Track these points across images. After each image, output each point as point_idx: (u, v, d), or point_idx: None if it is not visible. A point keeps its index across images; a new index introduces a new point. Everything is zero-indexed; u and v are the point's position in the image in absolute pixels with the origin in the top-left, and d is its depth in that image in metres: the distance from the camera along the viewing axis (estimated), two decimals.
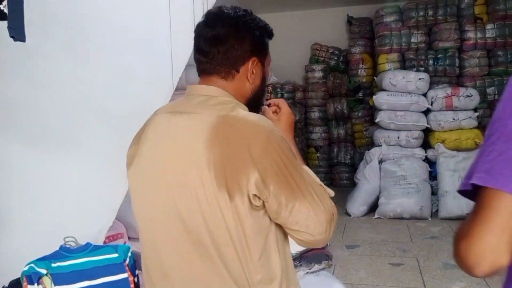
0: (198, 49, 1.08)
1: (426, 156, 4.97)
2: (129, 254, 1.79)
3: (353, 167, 6.63)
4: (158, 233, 1.06)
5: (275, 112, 1.22)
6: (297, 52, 7.11)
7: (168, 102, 1.71)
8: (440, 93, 4.93)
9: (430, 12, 5.54)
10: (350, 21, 6.72)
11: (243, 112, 1.02)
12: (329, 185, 7.01)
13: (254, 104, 1.14)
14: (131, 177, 1.12)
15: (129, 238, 3.04)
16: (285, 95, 5.79)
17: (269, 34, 1.16)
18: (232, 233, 0.97)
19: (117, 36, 2.29)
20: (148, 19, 2.51)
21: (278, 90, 5.80)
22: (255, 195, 0.95)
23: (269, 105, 1.25)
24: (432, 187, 4.82)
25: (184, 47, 3.00)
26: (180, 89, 4.03)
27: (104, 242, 2.79)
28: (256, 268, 0.99)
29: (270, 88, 5.77)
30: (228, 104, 1.04)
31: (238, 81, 1.09)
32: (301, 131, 6.60)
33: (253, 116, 1.02)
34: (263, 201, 0.97)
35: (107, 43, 2.28)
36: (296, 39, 7.13)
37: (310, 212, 0.98)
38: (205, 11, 3.47)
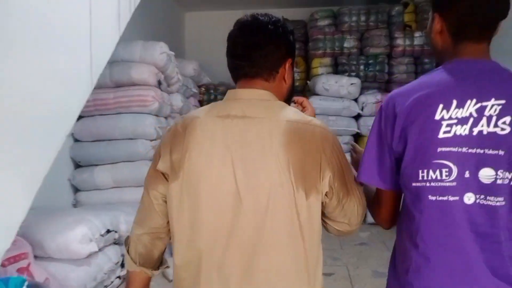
0: (237, 55, 1.13)
1: None
2: None
3: None
4: (222, 233, 1.04)
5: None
6: None
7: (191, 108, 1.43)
8: (370, 98, 4.99)
9: (363, 18, 5.61)
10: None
11: (307, 116, 1.13)
12: None
13: (288, 103, 1.21)
14: (181, 183, 1.07)
15: (35, 257, 2.70)
16: (219, 97, 5.59)
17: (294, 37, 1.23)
18: (304, 229, 1.04)
19: (34, 31, 1.97)
20: (67, 13, 2.21)
21: (212, 91, 5.59)
22: (326, 193, 1.07)
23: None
24: None
25: (105, 44, 2.72)
26: (104, 87, 3.73)
27: (3, 265, 2.44)
28: (316, 260, 1.09)
29: (203, 89, 5.55)
30: (282, 107, 1.12)
31: (278, 82, 1.16)
32: None
33: (317, 120, 1.13)
34: (327, 198, 1.09)
35: (22, 39, 1.95)
36: None
37: (355, 207, 1.13)
38: (132, 7, 3.21)
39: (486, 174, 0.98)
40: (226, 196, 1.04)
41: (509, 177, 0.97)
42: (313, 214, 1.05)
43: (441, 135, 0.99)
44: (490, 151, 0.97)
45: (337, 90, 4.93)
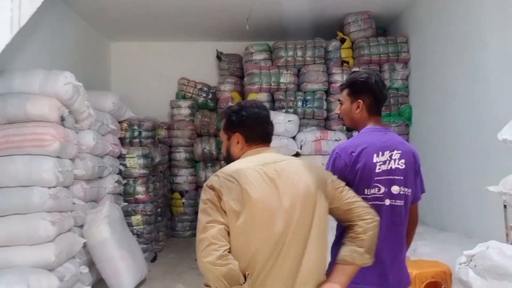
0: (267, 127, 1.64)
1: None
2: None
3: None
4: (285, 240, 1.44)
5: None
6: (162, 86, 6.45)
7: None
8: (309, 136, 4.65)
9: (299, 53, 5.35)
10: (219, 56, 6.31)
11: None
12: (194, 235, 6.28)
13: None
14: (245, 214, 1.42)
15: None
16: (143, 133, 5.01)
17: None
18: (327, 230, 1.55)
19: None
20: None
21: (135, 127, 5.00)
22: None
23: None
24: None
25: None
26: None
27: None
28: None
29: (126, 125, 4.94)
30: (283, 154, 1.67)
31: None
32: (163, 174, 5.83)
33: None
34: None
35: None
36: (162, 72, 6.48)
37: None
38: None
39: (395, 189, 1.77)
40: (280, 213, 1.44)
41: (405, 190, 1.78)
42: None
43: (377, 170, 1.76)
44: (396, 177, 1.77)
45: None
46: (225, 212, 1.40)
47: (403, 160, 1.76)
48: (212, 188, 1.42)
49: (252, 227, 1.39)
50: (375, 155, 1.73)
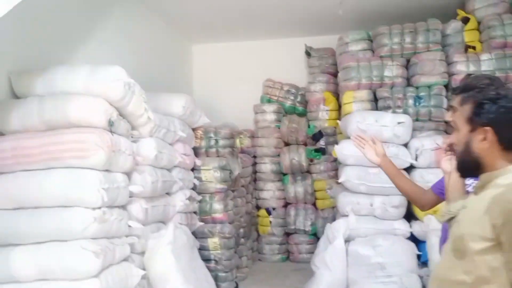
0: None
1: (411, 233, 3.51)
2: None
3: (316, 236, 5.15)
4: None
5: None
6: (246, 89, 5.78)
7: None
8: (427, 143, 3.58)
9: (408, 39, 4.29)
10: (308, 52, 5.45)
11: None
12: (285, 260, 5.58)
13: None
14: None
15: None
16: (220, 141, 4.32)
17: None
18: None
19: None
20: None
21: (212, 135, 4.32)
22: None
23: None
24: (422, 279, 3.31)
25: None
26: (31, 130, 2.45)
27: None
28: None
29: (200, 132, 4.29)
30: None
31: None
32: (246, 189, 5.09)
33: None
34: None
35: None
36: (245, 74, 5.83)
37: None
38: None
39: None
40: None
41: None
42: None
43: None
44: None
45: (378, 131, 3.55)
46: None
47: None
48: None
49: None
50: None
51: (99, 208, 2.50)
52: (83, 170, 2.48)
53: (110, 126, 2.60)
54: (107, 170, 2.60)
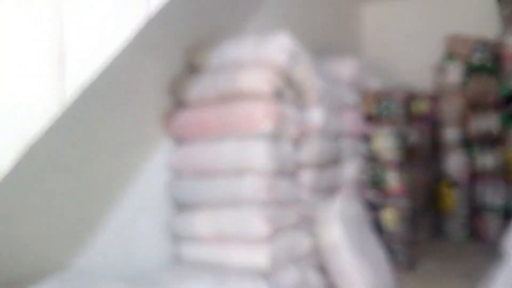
0: None
1: None
2: None
3: (508, 215, 4.48)
4: None
5: None
6: (424, 47, 5.30)
7: None
8: None
9: None
10: None
11: None
12: (469, 238, 4.98)
13: None
14: None
15: None
16: (394, 107, 3.98)
17: None
18: None
19: None
20: None
21: (383, 100, 4.02)
22: None
23: None
24: None
25: None
26: (207, 103, 2.79)
27: None
28: None
29: (371, 98, 4.03)
30: None
31: None
32: (426, 160, 4.68)
33: None
34: None
35: None
36: (423, 31, 5.34)
37: None
38: None
39: None
40: None
41: None
42: None
43: None
44: None
45: None
46: None
47: None
48: None
49: None
50: None
51: (269, 175, 2.56)
52: (253, 139, 2.56)
53: (278, 95, 2.61)
54: (275, 139, 2.64)
